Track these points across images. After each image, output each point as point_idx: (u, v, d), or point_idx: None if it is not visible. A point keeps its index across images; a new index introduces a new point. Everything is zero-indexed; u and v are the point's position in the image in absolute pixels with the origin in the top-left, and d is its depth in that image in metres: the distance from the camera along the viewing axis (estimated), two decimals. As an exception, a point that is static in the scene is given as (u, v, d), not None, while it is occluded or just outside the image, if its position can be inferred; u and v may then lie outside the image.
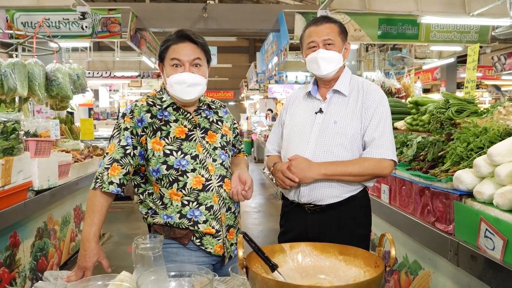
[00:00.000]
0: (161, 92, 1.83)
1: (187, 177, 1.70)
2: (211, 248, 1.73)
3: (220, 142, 1.80)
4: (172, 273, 1.37)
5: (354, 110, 1.88)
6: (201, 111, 1.83)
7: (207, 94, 1.93)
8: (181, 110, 1.78)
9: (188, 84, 1.72)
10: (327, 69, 1.88)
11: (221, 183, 1.75)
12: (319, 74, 1.92)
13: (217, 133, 1.82)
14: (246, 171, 1.87)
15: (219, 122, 1.87)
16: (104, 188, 1.66)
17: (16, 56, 4.22)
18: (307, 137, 1.90)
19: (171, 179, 1.70)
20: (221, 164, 1.78)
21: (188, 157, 1.70)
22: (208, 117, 1.85)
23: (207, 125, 1.81)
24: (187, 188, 1.70)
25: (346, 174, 1.81)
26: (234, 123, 1.98)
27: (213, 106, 1.90)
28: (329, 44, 1.87)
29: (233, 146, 1.97)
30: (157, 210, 1.75)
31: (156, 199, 1.75)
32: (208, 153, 1.75)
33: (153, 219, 1.75)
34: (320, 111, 1.92)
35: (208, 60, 1.83)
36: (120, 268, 1.47)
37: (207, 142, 1.77)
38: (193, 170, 1.70)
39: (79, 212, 4.46)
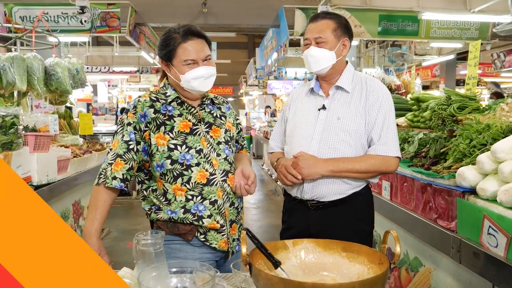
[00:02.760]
0: (164, 88, 1.81)
1: (192, 171, 1.69)
2: (216, 244, 1.73)
3: (224, 137, 1.81)
4: (174, 269, 1.36)
5: (357, 106, 1.87)
6: (205, 106, 1.83)
7: (207, 90, 1.92)
8: (185, 104, 1.78)
9: (205, 78, 1.74)
10: (316, 66, 1.90)
11: (225, 177, 1.75)
12: (310, 71, 1.96)
13: (221, 128, 1.82)
14: (249, 166, 1.85)
15: (223, 118, 1.87)
16: (108, 183, 1.65)
17: (15, 50, 4.19)
18: (310, 134, 1.89)
19: (175, 174, 1.69)
20: (225, 159, 1.77)
21: (192, 151, 1.70)
22: (212, 112, 1.85)
23: (211, 120, 1.82)
24: (192, 183, 1.69)
25: (353, 171, 1.81)
26: (237, 119, 1.99)
27: (216, 102, 1.91)
28: (319, 42, 1.87)
29: (236, 142, 1.96)
30: (160, 206, 1.74)
31: (160, 195, 1.74)
32: (212, 147, 1.75)
33: (157, 215, 1.73)
34: (323, 107, 1.91)
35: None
36: (118, 264, 1.46)
37: (211, 137, 1.77)
38: (198, 164, 1.70)
39: (78, 207, 4.44)
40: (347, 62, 1.99)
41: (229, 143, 1.82)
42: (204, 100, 1.84)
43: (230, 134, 1.85)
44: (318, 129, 1.88)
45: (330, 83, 1.95)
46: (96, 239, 1.62)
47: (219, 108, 1.90)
